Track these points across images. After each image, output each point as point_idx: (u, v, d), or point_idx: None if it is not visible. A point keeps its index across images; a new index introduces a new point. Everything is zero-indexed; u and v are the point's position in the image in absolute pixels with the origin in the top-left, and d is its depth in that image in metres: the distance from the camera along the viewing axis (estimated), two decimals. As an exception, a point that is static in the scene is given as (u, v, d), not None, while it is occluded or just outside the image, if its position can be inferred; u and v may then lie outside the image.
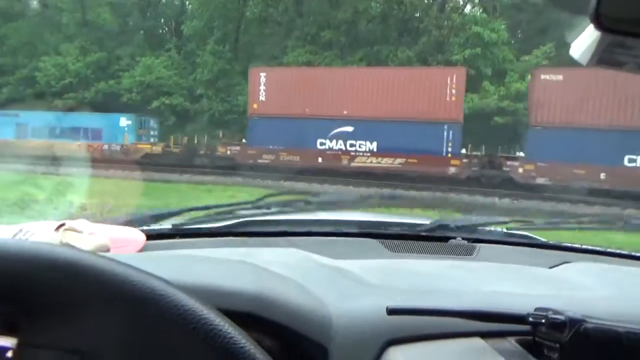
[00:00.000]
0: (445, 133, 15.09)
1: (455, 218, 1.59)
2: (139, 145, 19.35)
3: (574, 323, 0.62)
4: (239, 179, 15.11)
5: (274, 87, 16.70)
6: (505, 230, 1.31)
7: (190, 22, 25.63)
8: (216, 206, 1.27)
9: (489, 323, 0.68)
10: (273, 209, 1.37)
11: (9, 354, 0.47)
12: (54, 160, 14.62)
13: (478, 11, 22.98)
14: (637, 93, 13.31)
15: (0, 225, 0.97)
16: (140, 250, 1.01)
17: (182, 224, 1.23)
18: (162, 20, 29.88)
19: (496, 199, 13.47)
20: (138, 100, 24.10)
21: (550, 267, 1.11)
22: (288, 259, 0.93)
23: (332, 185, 14.46)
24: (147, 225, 1.17)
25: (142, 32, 28.59)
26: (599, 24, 0.47)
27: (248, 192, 12.50)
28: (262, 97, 16.83)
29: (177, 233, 1.16)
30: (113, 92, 24.56)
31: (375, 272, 0.92)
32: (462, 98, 15.52)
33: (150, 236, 1.08)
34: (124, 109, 22.19)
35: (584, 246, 1.28)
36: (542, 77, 14.68)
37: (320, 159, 16.30)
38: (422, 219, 1.37)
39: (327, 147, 16.37)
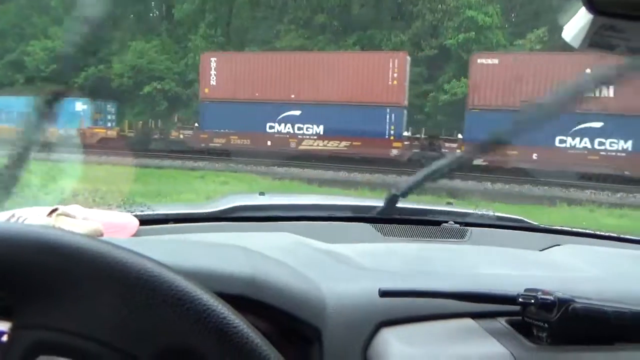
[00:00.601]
0: (387, 116, 15.37)
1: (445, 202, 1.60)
2: (94, 130, 19.37)
3: (562, 303, 0.63)
4: (232, 164, 15.20)
5: (225, 71, 16.91)
6: (497, 214, 1.32)
7: (181, 5, 25.21)
8: None
9: (479, 304, 0.69)
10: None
11: (4, 338, 0.47)
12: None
13: (472, -6, 22.74)
14: (568, 75, 13.55)
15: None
16: (134, 235, 1.01)
17: (175, 209, 1.23)
18: (153, 3, 29.39)
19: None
20: (130, 85, 23.81)
21: (541, 250, 1.12)
22: (281, 243, 0.93)
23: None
24: (140, 211, 1.17)
25: (132, 15, 28.11)
26: (590, 6, 0.47)
27: (239, 178, 12.56)
28: (213, 82, 17.05)
29: (170, 218, 1.16)
30: (104, 76, 24.24)
31: (368, 255, 0.93)
32: (404, 82, 15.70)
33: (144, 221, 1.08)
34: (115, 94, 21.90)
35: (574, 229, 1.29)
36: (479, 61, 14.94)
37: (269, 142, 16.59)
38: (413, 203, 1.37)
39: (275, 131, 16.64)
